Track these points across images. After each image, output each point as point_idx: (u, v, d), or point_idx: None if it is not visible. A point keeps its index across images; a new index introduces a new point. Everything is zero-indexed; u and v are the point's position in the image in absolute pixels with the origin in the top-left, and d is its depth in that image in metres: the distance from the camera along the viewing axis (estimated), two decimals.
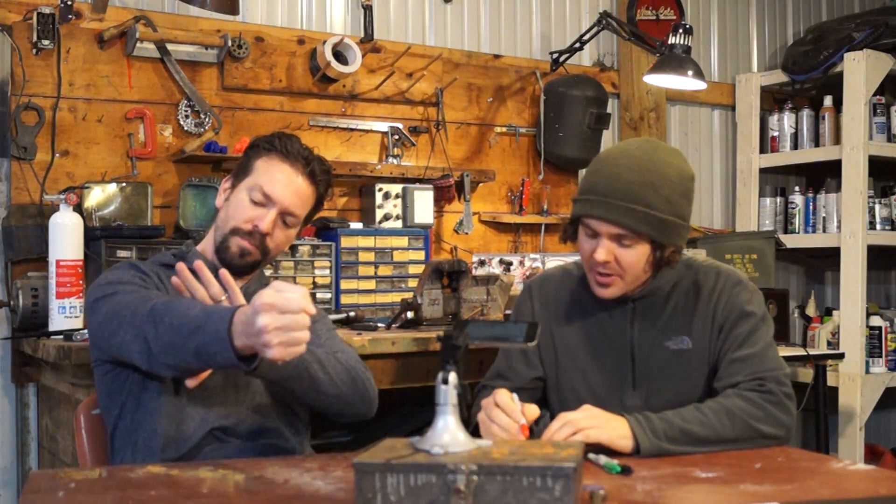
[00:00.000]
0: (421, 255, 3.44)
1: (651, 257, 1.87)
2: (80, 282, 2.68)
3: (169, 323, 1.67)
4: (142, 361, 1.74)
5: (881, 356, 4.14)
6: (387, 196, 3.50)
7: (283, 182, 1.97)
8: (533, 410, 1.76)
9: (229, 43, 3.33)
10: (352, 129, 3.65)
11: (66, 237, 2.67)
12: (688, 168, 1.92)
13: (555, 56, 3.98)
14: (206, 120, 3.33)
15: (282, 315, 1.48)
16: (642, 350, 1.95)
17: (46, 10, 3.02)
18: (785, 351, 3.40)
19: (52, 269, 2.66)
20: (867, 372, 4.08)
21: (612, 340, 1.97)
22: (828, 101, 4.36)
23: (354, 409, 1.98)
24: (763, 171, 4.59)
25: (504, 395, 1.76)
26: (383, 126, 3.69)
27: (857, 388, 4.03)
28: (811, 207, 4.42)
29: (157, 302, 1.73)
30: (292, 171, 1.98)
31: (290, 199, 1.97)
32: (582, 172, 4.15)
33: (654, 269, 1.91)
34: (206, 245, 2.06)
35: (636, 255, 1.87)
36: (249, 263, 1.99)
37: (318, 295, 3.18)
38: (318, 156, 2.05)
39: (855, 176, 4.09)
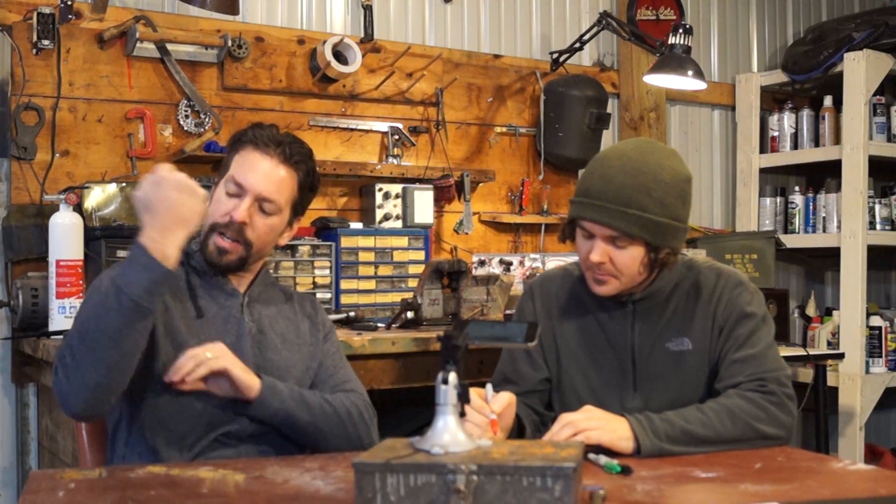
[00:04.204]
0: (421, 255, 3.44)
1: (646, 259, 1.88)
2: (80, 282, 2.68)
3: (80, 326, 1.72)
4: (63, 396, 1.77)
5: (881, 356, 4.14)
6: (387, 196, 3.50)
7: (254, 169, 1.93)
8: (502, 399, 1.74)
9: (229, 43, 3.34)
10: (352, 129, 3.65)
11: (66, 237, 2.67)
12: (684, 169, 1.92)
13: (555, 56, 3.98)
14: (206, 120, 3.33)
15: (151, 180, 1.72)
16: (643, 351, 1.95)
17: (46, 10, 3.02)
18: (785, 351, 3.40)
19: (52, 269, 2.66)
20: (867, 372, 4.08)
21: (612, 341, 1.97)
22: (828, 101, 4.36)
23: (337, 448, 1.93)
24: (763, 171, 4.59)
25: (472, 393, 1.72)
26: (383, 126, 3.69)
27: (857, 388, 4.03)
28: (811, 207, 4.42)
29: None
30: (263, 156, 1.94)
31: (262, 185, 1.92)
32: (581, 174, 4.14)
33: (650, 270, 1.91)
34: None
35: (630, 257, 1.87)
36: (233, 261, 1.93)
37: (319, 295, 3.18)
38: (293, 139, 2.00)
39: (855, 176, 4.09)
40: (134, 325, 1.71)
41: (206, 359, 1.78)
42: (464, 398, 1.38)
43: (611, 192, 1.84)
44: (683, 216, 1.91)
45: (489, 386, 1.75)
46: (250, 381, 1.83)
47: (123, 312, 1.69)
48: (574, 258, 2.10)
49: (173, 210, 1.70)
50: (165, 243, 1.70)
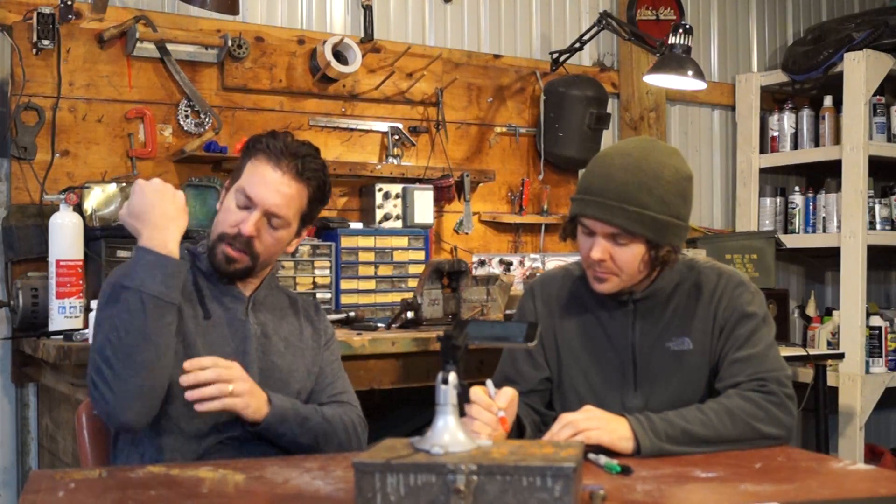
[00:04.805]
0: (421, 255, 3.44)
1: (646, 256, 1.88)
2: (80, 282, 2.68)
3: (110, 337, 1.74)
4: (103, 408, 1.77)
5: (881, 356, 4.14)
6: (387, 196, 3.50)
7: (264, 183, 1.91)
8: (505, 394, 1.75)
9: (229, 43, 3.33)
10: (352, 129, 3.65)
11: (66, 237, 2.67)
12: (685, 168, 1.92)
13: (555, 56, 3.98)
14: (206, 120, 3.33)
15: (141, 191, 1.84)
16: (643, 351, 1.95)
17: (46, 10, 3.02)
18: (785, 351, 3.40)
19: (52, 269, 2.66)
20: (867, 372, 4.08)
21: (613, 341, 1.98)
22: (828, 101, 4.36)
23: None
24: (763, 171, 4.59)
25: (477, 391, 1.73)
26: (383, 126, 3.69)
27: (857, 388, 4.03)
28: (811, 207, 4.42)
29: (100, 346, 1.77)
30: (276, 170, 1.92)
31: (272, 200, 1.91)
32: (582, 172, 4.15)
33: (651, 268, 1.91)
34: None
35: (631, 254, 1.87)
36: (239, 270, 1.94)
37: (319, 295, 3.18)
38: (309, 151, 1.97)
39: (855, 176, 4.09)
40: (162, 321, 1.76)
41: (227, 392, 1.75)
42: (464, 398, 1.38)
43: (612, 189, 1.84)
44: (684, 214, 1.91)
45: (490, 382, 1.75)
46: (257, 416, 1.82)
47: (149, 311, 1.74)
48: (574, 258, 2.10)
49: (158, 210, 1.81)
50: (164, 239, 1.79)
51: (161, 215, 1.81)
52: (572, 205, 1.93)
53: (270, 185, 1.92)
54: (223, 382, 1.75)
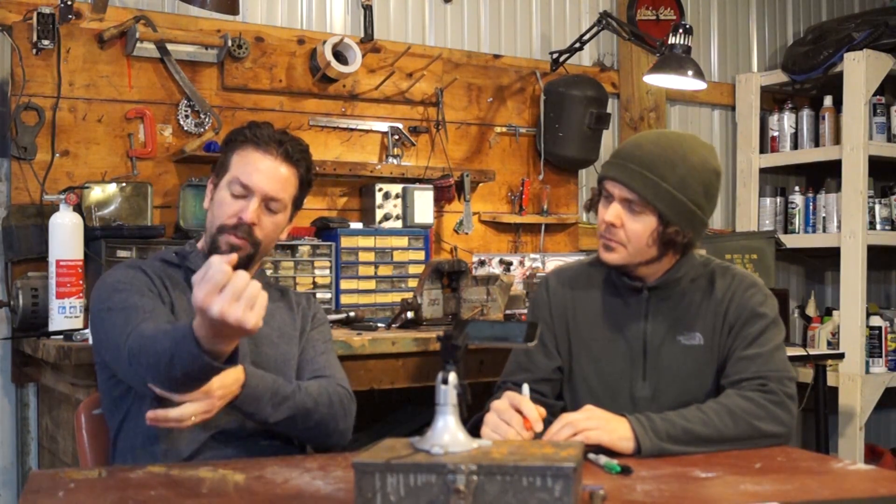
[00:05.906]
0: (421, 255, 3.44)
1: (655, 233, 1.92)
2: (80, 282, 2.68)
3: (146, 363, 1.68)
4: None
5: (881, 356, 4.14)
6: (387, 196, 3.49)
7: (258, 169, 1.97)
8: (541, 410, 1.77)
9: (229, 43, 3.33)
10: (352, 129, 3.65)
11: (66, 237, 2.67)
12: (714, 163, 1.97)
13: (555, 56, 3.98)
14: (206, 120, 3.33)
15: (218, 288, 1.41)
16: (654, 343, 1.98)
17: (46, 10, 3.01)
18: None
19: (52, 269, 2.66)
20: (867, 372, 4.08)
21: (625, 330, 2.00)
22: (828, 101, 4.36)
23: (312, 440, 1.94)
24: (763, 171, 4.59)
25: (516, 419, 1.72)
26: (383, 126, 3.69)
27: (857, 388, 4.03)
28: (811, 207, 4.42)
29: (131, 342, 1.73)
30: (266, 156, 1.98)
31: (269, 185, 1.97)
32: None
33: (659, 248, 1.94)
34: (203, 245, 2.07)
35: (642, 226, 1.92)
36: (242, 259, 1.93)
37: (319, 295, 3.18)
38: (292, 136, 2.04)
39: (855, 176, 4.09)
40: (181, 382, 1.67)
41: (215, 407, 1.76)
42: (464, 398, 1.38)
43: (637, 156, 1.92)
44: (703, 205, 1.94)
45: (525, 387, 1.77)
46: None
47: (175, 374, 1.63)
48: (574, 258, 2.12)
49: (240, 328, 1.44)
50: (223, 350, 1.56)
51: (236, 331, 1.46)
52: (601, 169, 2.01)
53: (265, 171, 1.97)
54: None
